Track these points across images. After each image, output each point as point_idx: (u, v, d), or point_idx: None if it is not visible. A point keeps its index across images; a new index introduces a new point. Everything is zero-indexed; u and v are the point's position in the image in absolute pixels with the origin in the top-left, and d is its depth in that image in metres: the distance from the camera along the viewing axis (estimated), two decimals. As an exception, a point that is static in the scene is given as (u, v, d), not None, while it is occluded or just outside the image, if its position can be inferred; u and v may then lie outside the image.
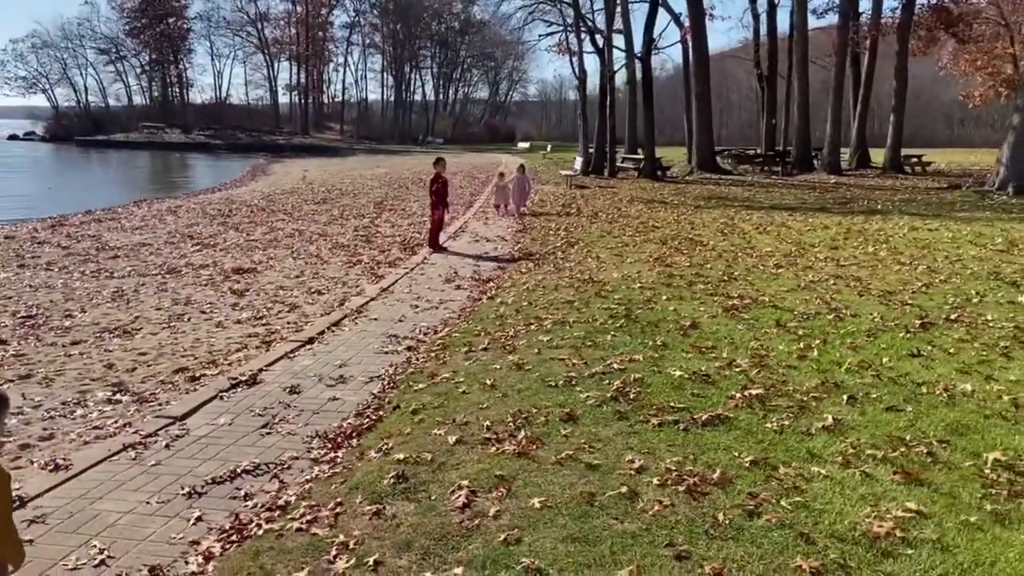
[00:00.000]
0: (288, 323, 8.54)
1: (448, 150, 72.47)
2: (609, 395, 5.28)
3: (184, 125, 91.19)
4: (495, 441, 4.58)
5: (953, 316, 7.69)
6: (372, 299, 9.41)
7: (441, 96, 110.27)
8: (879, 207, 19.17)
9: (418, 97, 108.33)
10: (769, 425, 4.77)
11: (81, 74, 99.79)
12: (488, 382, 5.71)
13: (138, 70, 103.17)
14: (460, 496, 3.86)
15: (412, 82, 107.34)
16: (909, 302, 8.38)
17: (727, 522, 3.56)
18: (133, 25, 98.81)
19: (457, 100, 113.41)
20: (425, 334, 7.70)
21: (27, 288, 10.55)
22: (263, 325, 8.43)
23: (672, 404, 5.08)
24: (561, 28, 36.37)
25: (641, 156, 32.21)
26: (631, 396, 5.26)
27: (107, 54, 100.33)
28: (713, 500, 3.78)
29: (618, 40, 32.35)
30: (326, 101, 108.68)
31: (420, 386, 5.89)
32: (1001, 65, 28.76)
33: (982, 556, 3.33)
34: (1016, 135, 21.32)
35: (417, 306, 8.97)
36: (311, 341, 7.50)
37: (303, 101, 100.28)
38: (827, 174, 31.69)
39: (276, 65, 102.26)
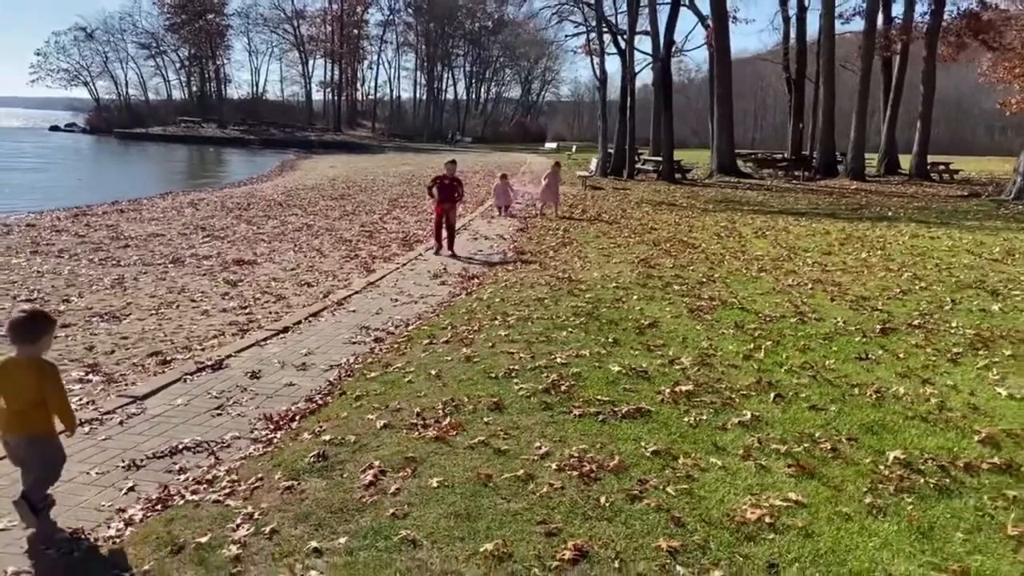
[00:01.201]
0: (271, 313, 8.84)
1: (476, 149, 72.92)
2: (542, 387, 5.49)
3: (220, 120, 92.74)
4: (421, 426, 4.81)
5: (917, 322, 7.79)
6: (356, 292, 9.68)
7: (473, 95, 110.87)
8: (890, 214, 19.12)
9: (450, 96, 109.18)
10: (687, 419, 4.95)
11: (122, 68, 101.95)
12: (433, 372, 5.94)
13: (177, 65, 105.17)
14: (369, 475, 4.10)
15: (444, 80, 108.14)
16: (880, 308, 8.48)
17: (607, 504, 3.77)
18: (173, 21, 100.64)
19: (489, 99, 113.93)
20: (397, 327, 7.94)
21: (34, 274, 10.97)
22: (246, 314, 8.74)
23: (600, 397, 5.28)
24: (585, 29, 36.48)
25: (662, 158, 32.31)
26: (563, 389, 5.46)
27: (147, 48, 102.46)
28: (603, 485, 3.99)
29: (645, 42, 32.49)
30: (360, 98, 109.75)
31: (373, 375, 6.13)
32: (1041, 73, 28.45)
33: (842, 544, 3.50)
34: (1034, 145, 21.11)
35: (397, 300, 9.22)
36: (286, 330, 7.79)
37: (336, 98, 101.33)
38: (850, 180, 31.52)
39: (312, 62, 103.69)
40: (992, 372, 6.15)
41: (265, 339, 7.44)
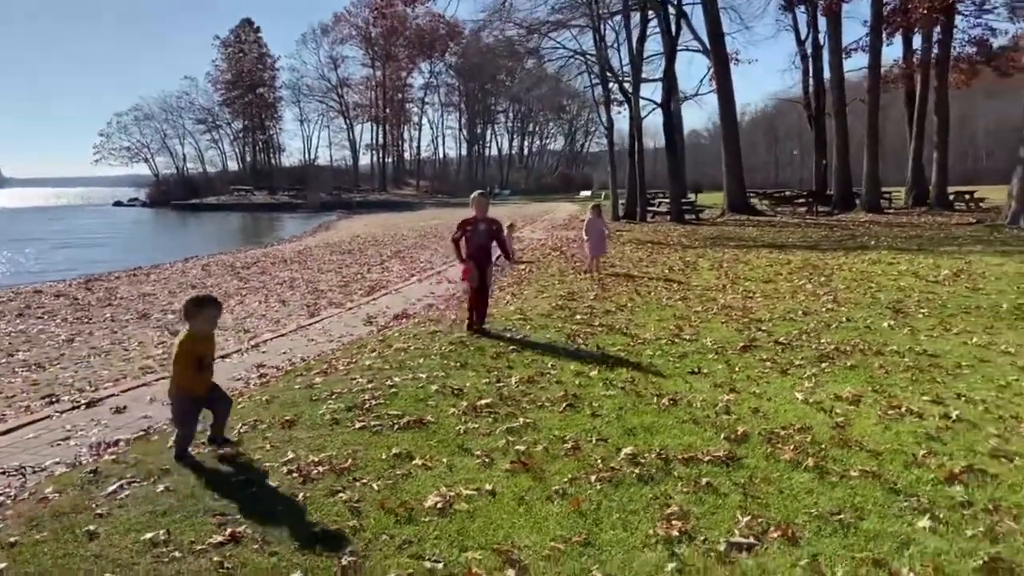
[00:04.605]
0: (190, 357, 9.35)
1: (515, 201, 73.99)
2: (348, 405, 5.85)
3: (271, 187, 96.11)
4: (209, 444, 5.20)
5: (785, 340, 7.96)
6: (282, 335, 10.16)
7: (515, 149, 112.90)
8: (872, 243, 19.03)
9: (494, 151, 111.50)
10: (461, 427, 5.26)
11: (180, 142, 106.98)
12: (266, 399, 6.34)
13: (231, 137, 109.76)
14: (115, 485, 4.49)
15: (487, 136, 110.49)
16: (764, 328, 8.65)
17: (304, 498, 4.11)
18: (227, 96, 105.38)
19: (533, 152, 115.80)
20: (292, 364, 8.36)
21: (2, 333, 11.75)
22: (163, 360, 9.28)
23: (391, 412, 5.62)
24: (590, 81, 37.27)
25: (685, 200, 32.84)
26: (367, 407, 5.81)
27: (204, 123, 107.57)
28: (316, 484, 4.33)
29: (657, 88, 33.03)
30: (407, 158, 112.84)
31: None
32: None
33: (493, 523, 3.79)
34: (1024, 168, 20.86)
35: (314, 340, 9.65)
36: (184, 371, 8.27)
37: (381, 159, 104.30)
38: (865, 213, 31.25)
39: (359, 127, 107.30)
40: (809, 381, 6.31)
41: (158, 379, 7.93)
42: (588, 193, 73.42)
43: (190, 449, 4.94)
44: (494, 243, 8.99)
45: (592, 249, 14.54)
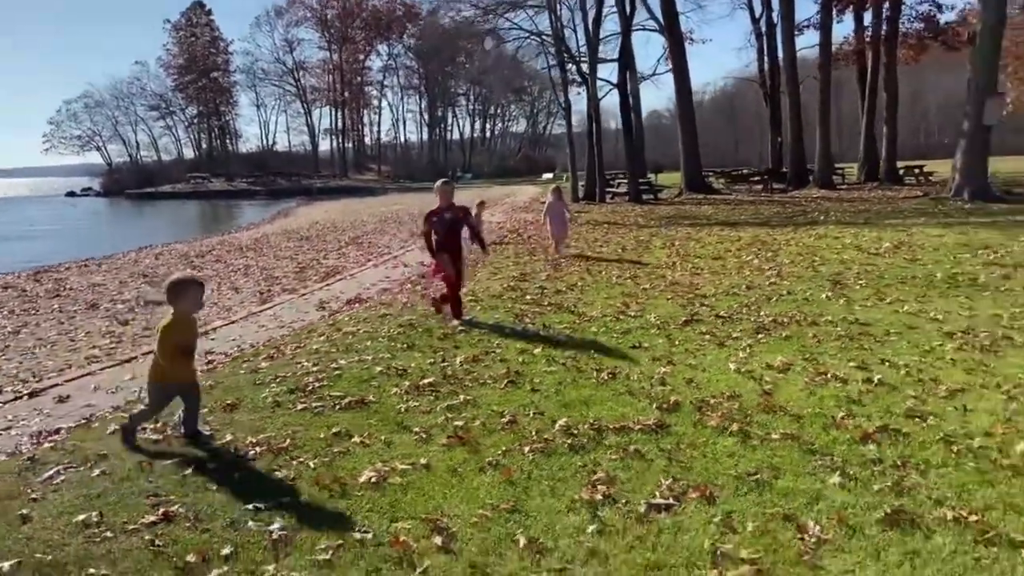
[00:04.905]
0: (137, 347, 9.32)
1: (478, 185, 73.83)
2: (291, 388, 5.91)
3: (228, 174, 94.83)
4: (150, 431, 5.22)
5: (726, 314, 8.15)
6: (233, 322, 10.14)
7: (477, 132, 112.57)
8: (821, 218, 19.36)
9: (456, 135, 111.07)
10: (402, 406, 5.36)
11: (133, 130, 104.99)
12: (211, 383, 6.37)
13: (186, 123, 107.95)
14: (52, 471, 4.52)
15: (449, 120, 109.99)
16: (708, 303, 8.83)
17: (239, 478, 4.17)
18: (180, 81, 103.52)
19: (495, 135, 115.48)
20: (241, 350, 8.36)
21: (-52, 327, 11.57)
22: (111, 349, 9.24)
23: (334, 393, 5.70)
24: (547, 62, 37.22)
25: (643, 181, 33.09)
26: (310, 389, 5.88)
27: (157, 110, 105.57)
28: (254, 464, 4.40)
29: (614, 68, 33.13)
30: (368, 143, 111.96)
31: (166, 391, 6.55)
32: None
33: (424, 494, 3.91)
34: (967, 141, 21.35)
35: (265, 327, 9.64)
36: (131, 360, 8.25)
37: (341, 144, 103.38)
38: (818, 189, 31.73)
39: (317, 111, 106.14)
40: (744, 352, 6.49)
41: (104, 368, 7.91)
42: (551, 175, 73.46)
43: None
44: (464, 232, 8.82)
45: (554, 231, 14.57)
